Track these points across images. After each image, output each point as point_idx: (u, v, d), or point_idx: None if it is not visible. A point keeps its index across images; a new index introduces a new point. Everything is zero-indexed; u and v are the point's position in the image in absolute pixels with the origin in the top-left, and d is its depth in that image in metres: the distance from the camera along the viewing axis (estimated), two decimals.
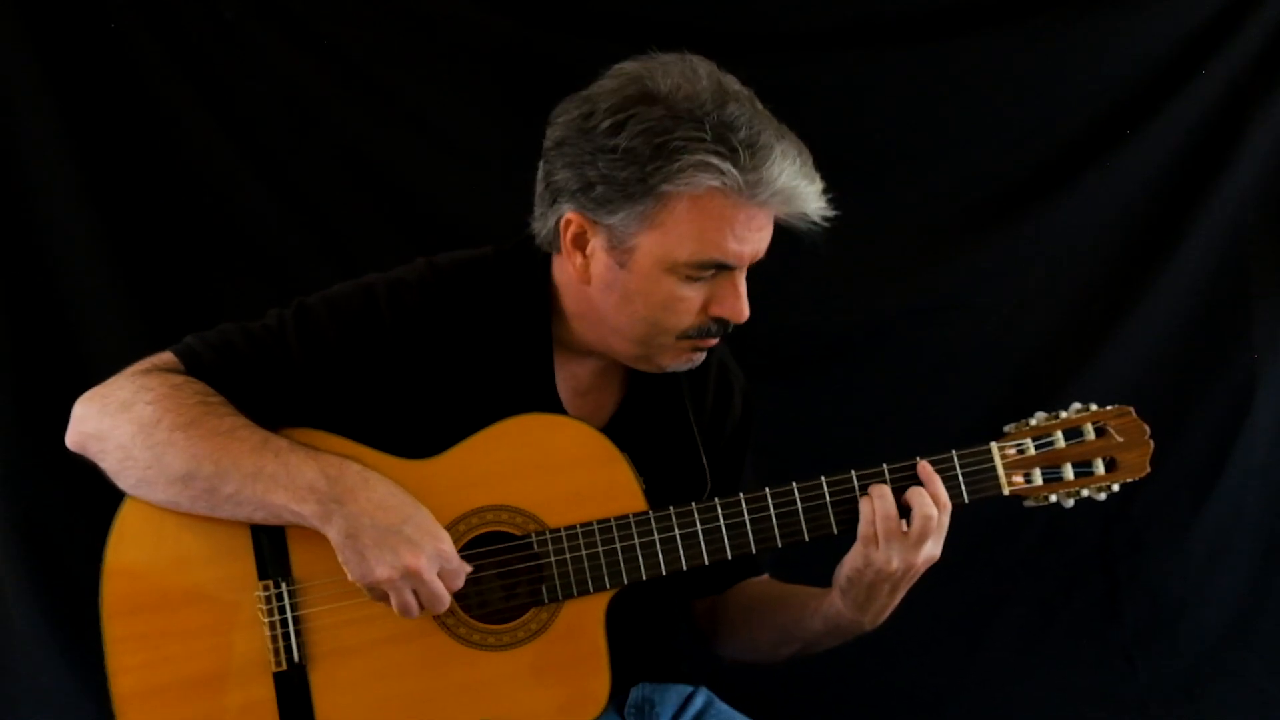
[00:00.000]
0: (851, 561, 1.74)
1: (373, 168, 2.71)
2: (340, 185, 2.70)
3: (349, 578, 1.66)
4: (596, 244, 1.72)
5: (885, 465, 1.75)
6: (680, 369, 1.81)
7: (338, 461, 1.68)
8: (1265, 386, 2.70)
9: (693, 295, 1.72)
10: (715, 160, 1.63)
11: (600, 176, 1.67)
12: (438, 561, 1.65)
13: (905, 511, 1.71)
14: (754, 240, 1.71)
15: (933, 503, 1.71)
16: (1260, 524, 2.74)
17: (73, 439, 1.76)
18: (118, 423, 1.70)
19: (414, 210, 2.71)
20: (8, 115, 2.57)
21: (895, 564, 1.71)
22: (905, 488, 1.73)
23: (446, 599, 1.67)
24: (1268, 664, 2.72)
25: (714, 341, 1.79)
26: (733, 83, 1.70)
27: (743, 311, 1.74)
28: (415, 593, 1.65)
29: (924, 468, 1.74)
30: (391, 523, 1.64)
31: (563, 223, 1.74)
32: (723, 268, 1.71)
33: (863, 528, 1.72)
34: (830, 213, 1.72)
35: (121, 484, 1.73)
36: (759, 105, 1.70)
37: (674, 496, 1.76)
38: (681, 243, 1.68)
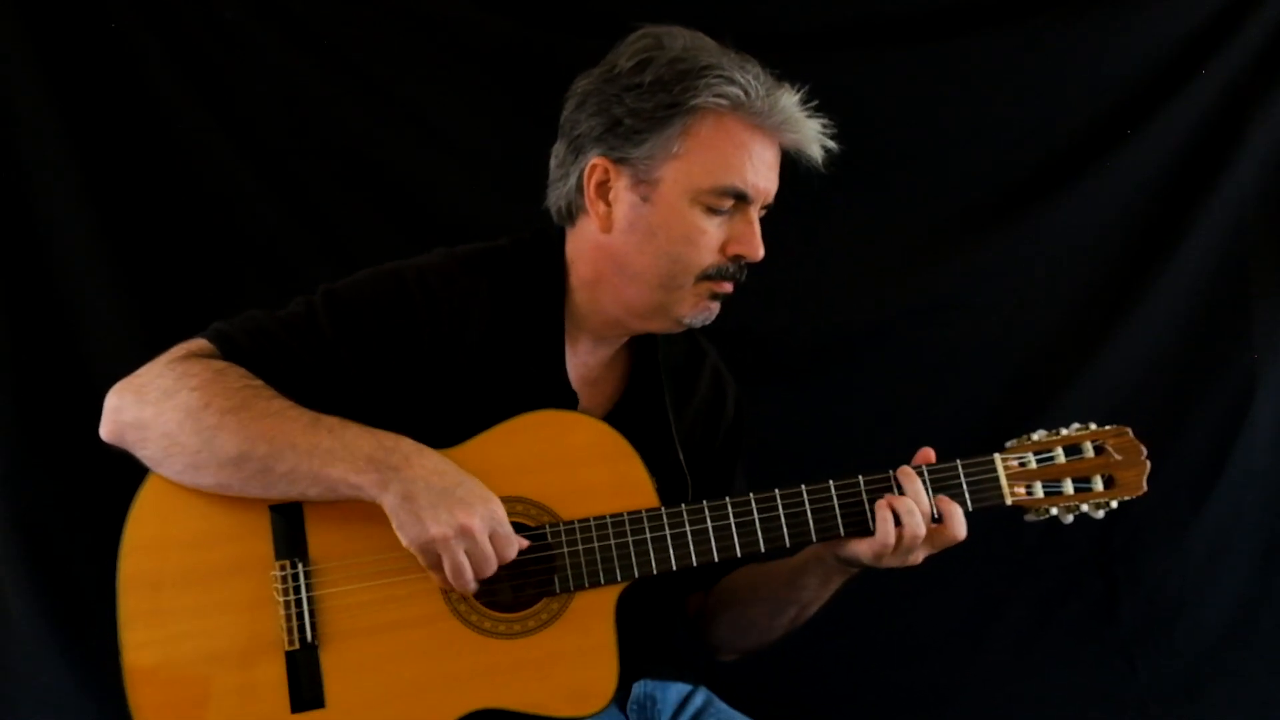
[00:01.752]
0: (860, 549, 1.77)
1: (373, 168, 2.70)
2: (340, 185, 2.70)
3: (403, 543, 1.68)
4: (620, 186, 1.80)
5: (891, 471, 1.78)
6: (697, 322, 1.86)
7: (392, 435, 1.71)
8: (1265, 387, 2.70)
9: (713, 230, 1.80)
10: (737, 75, 1.76)
11: (628, 111, 1.77)
12: (490, 523, 1.68)
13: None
14: (767, 176, 1.81)
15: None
16: (1260, 524, 2.73)
17: (109, 430, 1.76)
18: (162, 410, 1.71)
19: (414, 210, 2.71)
20: (8, 115, 2.57)
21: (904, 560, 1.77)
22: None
23: (495, 561, 1.68)
24: (1268, 664, 2.71)
25: (730, 287, 1.84)
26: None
27: (758, 248, 1.82)
28: (467, 554, 1.67)
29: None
30: (446, 485, 1.68)
31: (588, 170, 1.81)
32: (741, 198, 1.79)
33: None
34: (831, 145, 1.83)
35: (165, 471, 1.73)
36: None
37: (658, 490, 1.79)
38: (705, 170, 1.77)
